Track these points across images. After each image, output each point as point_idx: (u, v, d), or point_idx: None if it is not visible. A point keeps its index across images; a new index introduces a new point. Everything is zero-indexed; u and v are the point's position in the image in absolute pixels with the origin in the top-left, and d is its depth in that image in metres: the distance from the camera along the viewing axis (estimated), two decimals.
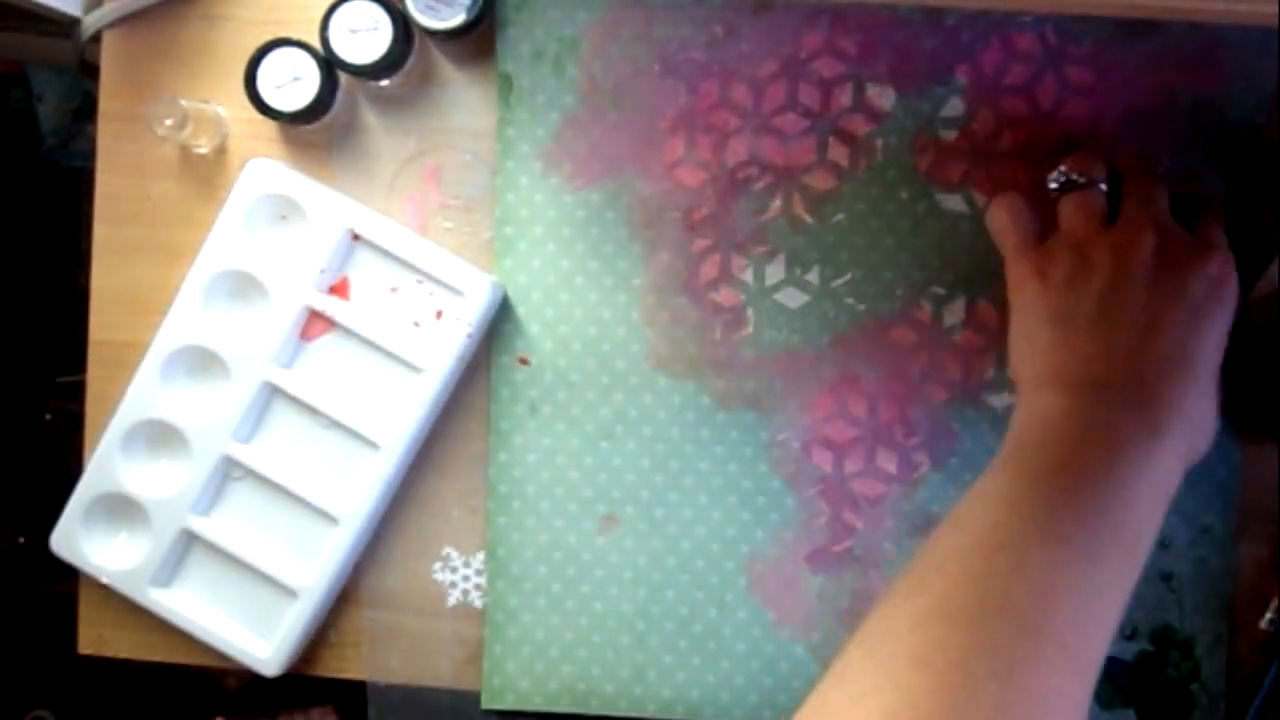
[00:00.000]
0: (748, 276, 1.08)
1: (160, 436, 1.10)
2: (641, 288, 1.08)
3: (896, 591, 0.85)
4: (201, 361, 1.09)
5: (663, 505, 1.09)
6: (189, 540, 1.10)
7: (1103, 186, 0.99)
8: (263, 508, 1.10)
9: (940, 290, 1.07)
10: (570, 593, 1.09)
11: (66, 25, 1.12)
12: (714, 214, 1.07)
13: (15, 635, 1.15)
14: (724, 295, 1.08)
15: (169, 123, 1.05)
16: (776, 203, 1.07)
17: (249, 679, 1.10)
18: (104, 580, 1.09)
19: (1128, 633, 1.07)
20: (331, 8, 1.03)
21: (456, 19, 1.03)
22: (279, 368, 1.08)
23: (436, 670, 1.11)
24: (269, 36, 1.05)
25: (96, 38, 1.12)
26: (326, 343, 1.09)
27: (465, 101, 1.11)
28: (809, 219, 1.07)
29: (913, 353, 1.07)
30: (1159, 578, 1.07)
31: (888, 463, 1.08)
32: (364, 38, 1.03)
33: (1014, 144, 1.06)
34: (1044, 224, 1.00)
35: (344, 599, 1.11)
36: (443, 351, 1.06)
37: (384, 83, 1.08)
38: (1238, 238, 0.99)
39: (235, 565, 1.10)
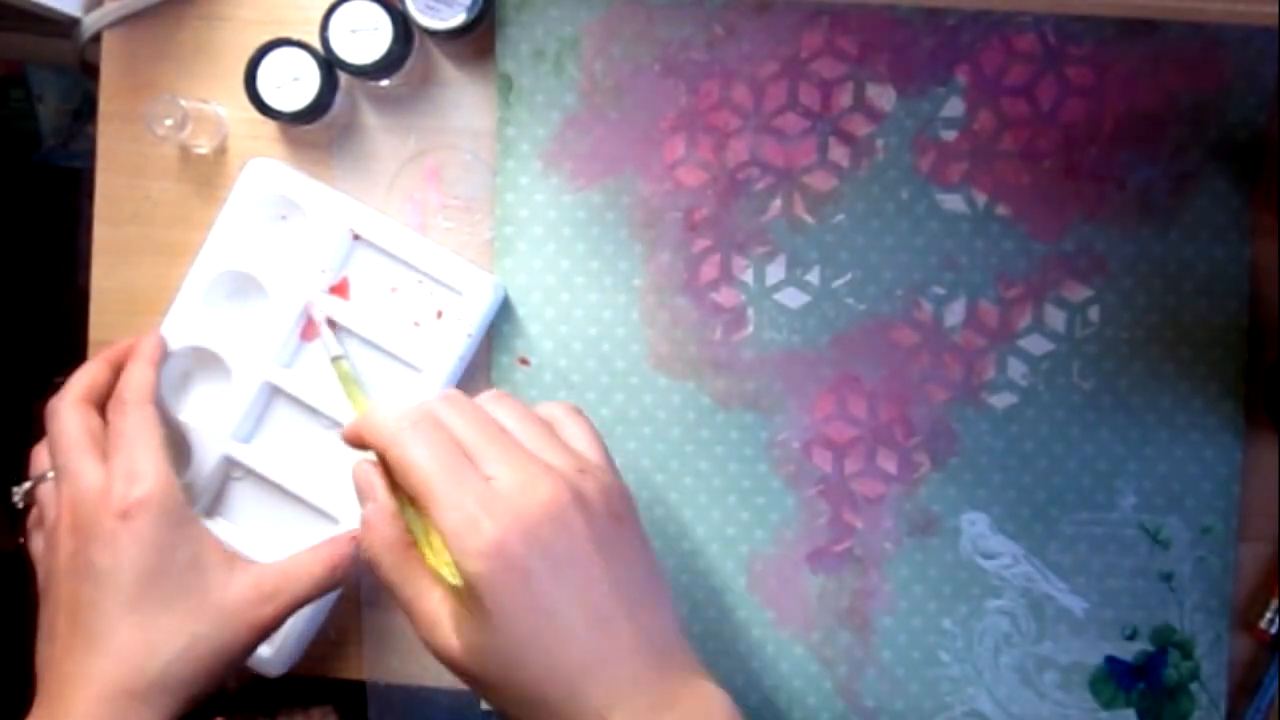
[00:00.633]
0: (748, 277, 1.08)
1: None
2: (642, 288, 1.08)
3: None
4: (201, 361, 1.09)
5: (663, 505, 1.09)
6: None
7: None
8: (263, 508, 1.10)
9: (940, 290, 1.07)
10: None
11: (66, 25, 1.11)
12: (714, 214, 1.07)
13: (15, 635, 1.14)
14: (724, 295, 1.08)
15: (169, 123, 1.05)
16: (777, 203, 1.07)
17: (249, 679, 1.10)
18: None
19: (1128, 633, 1.07)
20: (331, 8, 1.03)
21: (456, 19, 1.03)
22: (280, 368, 1.08)
23: (436, 670, 1.10)
24: (269, 36, 1.05)
25: (96, 38, 1.12)
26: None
27: (465, 101, 1.10)
28: (809, 219, 1.07)
29: (913, 353, 1.07)
30: (1159, 578, 1.07)
31: (888, 463, 1.08)
32: (364, 38, 1.03)
33: (1014, 144, 1.06)
34: None
35: (344, 599, 1.11)
36: (443, 352, 1.06)
37: (384, 83, 1.08)
38: None
39: None
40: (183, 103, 1.05)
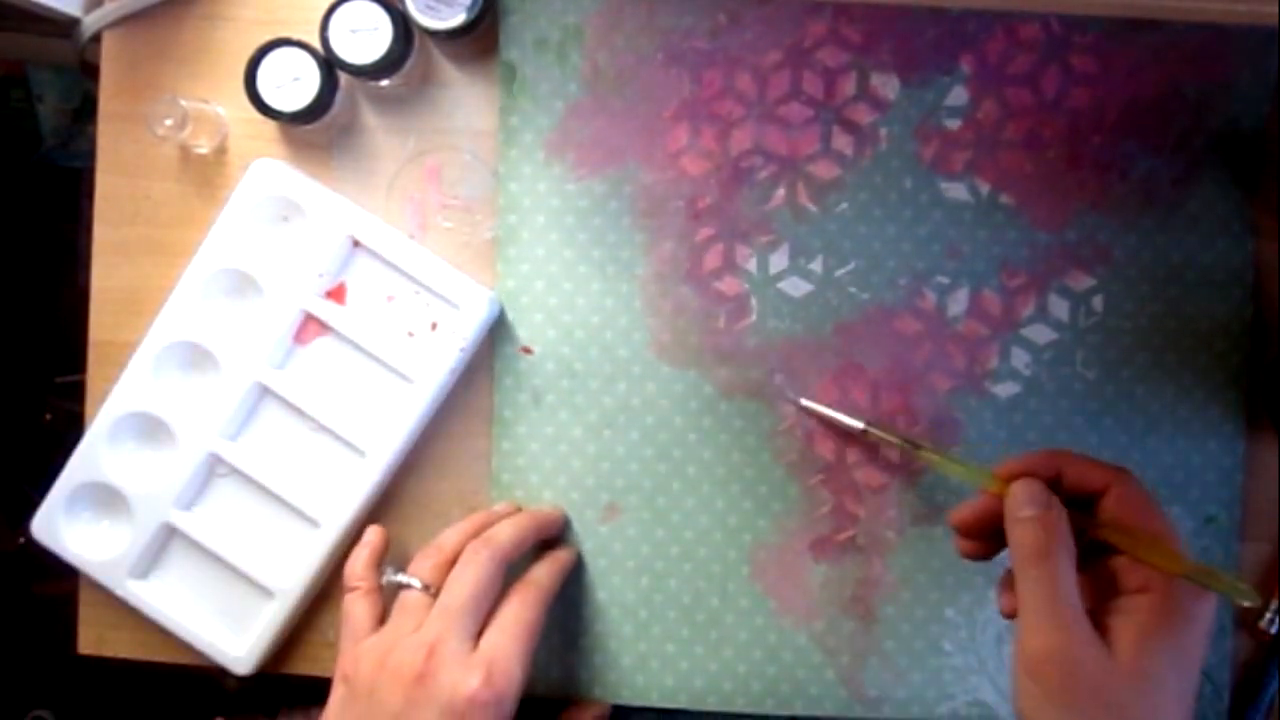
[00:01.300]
0: (751, 265, 1.08)
1: (148, 429, 1.10)
2: (645, 277, 1.08)
3: None
4: (194, 357, 1.09)
5: (666, 494, 1.09)
6: (170, 534, 1.10)
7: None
8: (245, 507, 1.10)
9: (944, 279, 1.07)
10: (573, 581, 1.09)
11: (66, 25, 1.12)
12: (717, 203, 1.08)
13: (15, 635, 1.14)
14: (727, 284, 1.08)
15: (169, 123, 1.05)
16: (780, 192, 1.07)
17: (250, 679, 1.10)
18: (76, 565, 1.09)
19: None
20: (331, 8, 1.03)
21: (456, 19, 1.03)
22: (271, 368, 1.08)
23: None
24: (269, 36, 1.05)
25: (96, 38, 1.12)
26: (320, 346, 1.09)
27: (465, 101, 1.11)
28: (813, 208, 1.07)
29: (916, 342, 1.07)
30: None
31: (891, 452, 1.08)
32: (364, 38, 1.03)
33: (1018, 133, 1.07)
34: None
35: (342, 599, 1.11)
36: (435, 364, 1.07)
37: (384, 83, 1.08)
38: None
39: (214, 562, 1.10)
40: (183, 103, 1.06)
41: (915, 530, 1.08)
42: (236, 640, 1.09)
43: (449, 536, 1.02)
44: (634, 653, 1.09)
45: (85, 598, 1.14)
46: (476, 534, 1.02)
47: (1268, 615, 1.08)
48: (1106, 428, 1.07)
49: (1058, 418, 1.07)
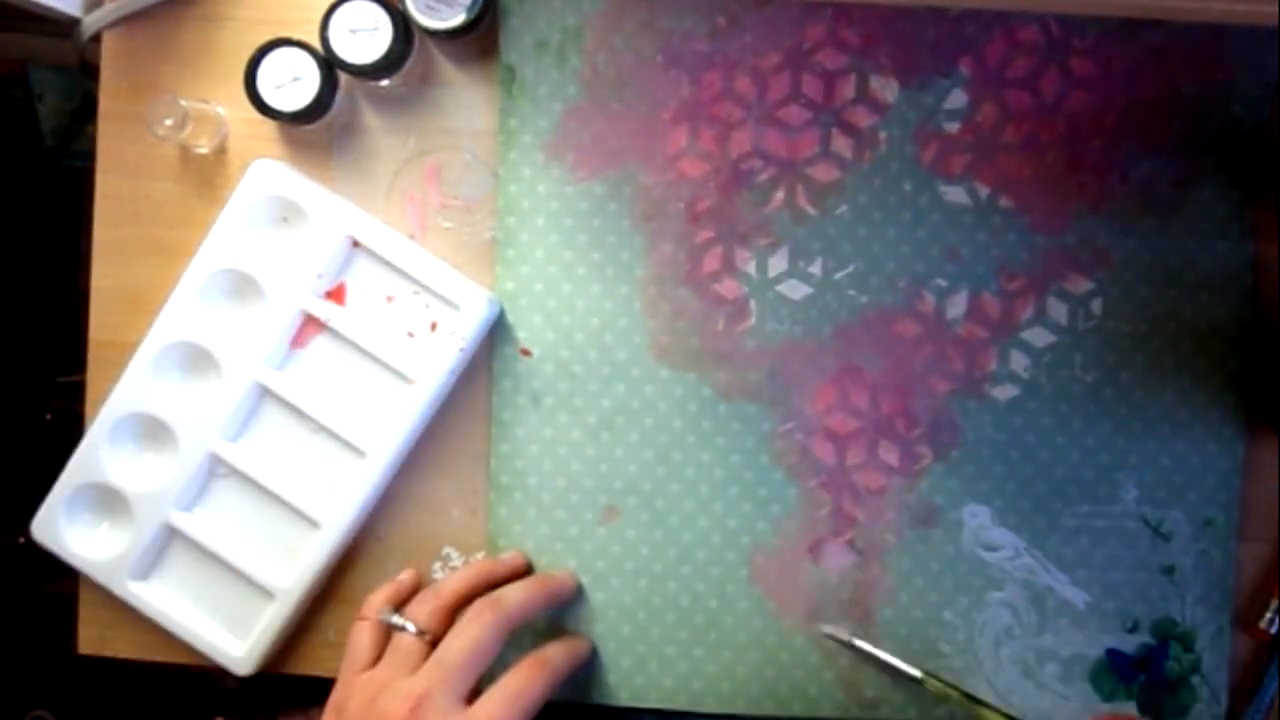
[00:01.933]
0: (750, 268, 1.08)
1: (148, 430, 1.10)
2: (644, 279, 1.08)
3: None
4: (194, 358, 1.09)
5: (664, 496, 1.09)
6: (170, 535, 1.11)
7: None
8: (245, 507, 1.10)
9: (943, 282, 1.07)
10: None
11: (66, 25, 1.12)
12: (717, 205, 1.08)
13: (15, 635, 1.14)
14: (726, 287, 1.08)
15: (169, 123, 1.05)
16: (779, 194, 1.07)
17: (250, 679, 1.10)
18: (76, 565, 1.09)
19: (1129, 626, 1.07)
20: (331, 8, 1.03)
21: (456, 19, 1.03)
22: (271, 369, 1.08)
23: None
24: (269, 36, 1.06)
25: (96, 38, 1.12)
26: (320, 347, 1.09)
27: (465, 101, 1.11)
28: (812, 211, 1.07)
29: (915, 345, 1.07)
30: (1161, 571, 1.07)
31: (889, 454, 1.08)
32: (364, 38, 1.03)
33: (1017, 136, 1.07)
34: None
35: (344, 599, 1.12)
36: (435, 365, 1.07)
37: (384, 83, 1.08)
38: None
39: (214, 563, 1.10)
40: (183, 103, 1.06)
41: (913, 533, 1.08)
42: (236, 640, 1.09)
43: (450, 583, 1.03)
44: (632, 655, 1.09)
45: (85, 598, 1.14)
46: (478, 584, 1.03)
47: (1268, 615, 1.08)
48: (1105, 431, 1.07)
49: (1056, 420, 1.07)
